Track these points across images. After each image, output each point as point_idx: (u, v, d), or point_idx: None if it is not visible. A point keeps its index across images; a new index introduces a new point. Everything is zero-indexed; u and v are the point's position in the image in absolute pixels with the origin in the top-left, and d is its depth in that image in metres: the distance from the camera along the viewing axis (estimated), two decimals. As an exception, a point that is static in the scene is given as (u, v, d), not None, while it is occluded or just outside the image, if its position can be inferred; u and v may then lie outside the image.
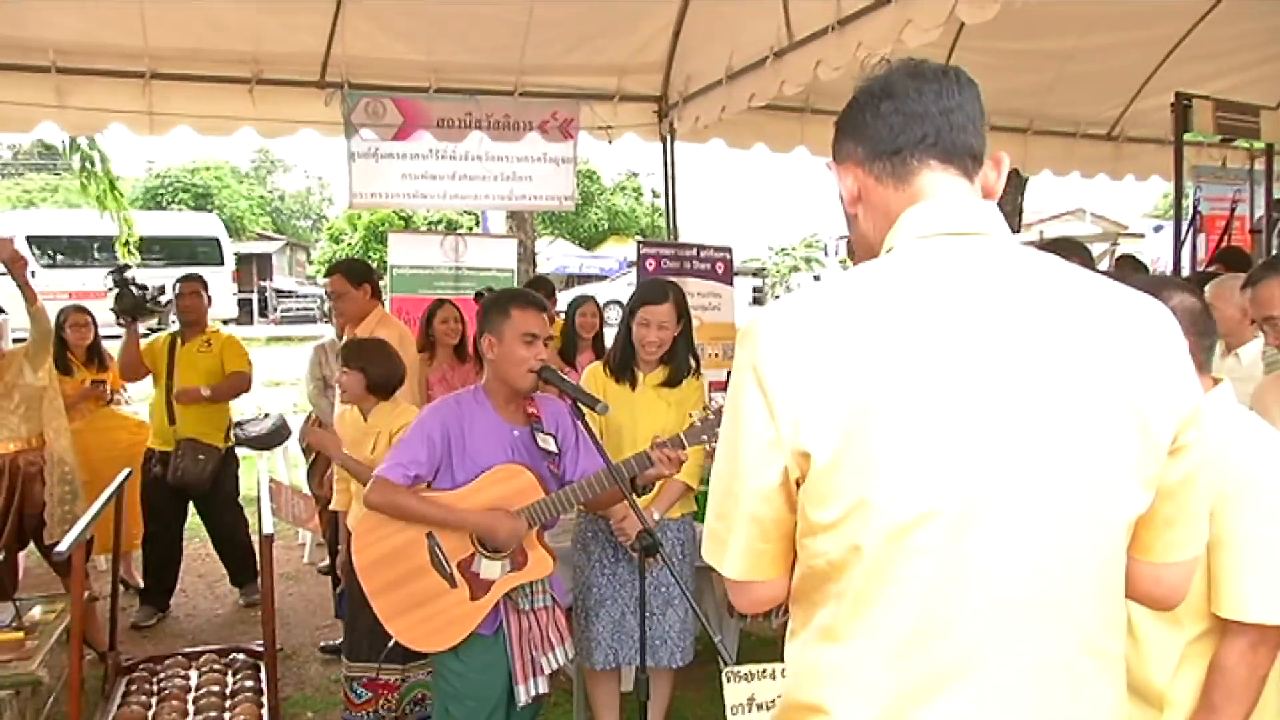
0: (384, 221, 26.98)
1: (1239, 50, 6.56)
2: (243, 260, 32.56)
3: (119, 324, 5.37)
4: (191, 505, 5.64)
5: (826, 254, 33.49)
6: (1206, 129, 5.68)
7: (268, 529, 3.54)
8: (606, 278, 25.94)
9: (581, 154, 8.08)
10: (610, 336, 4.25)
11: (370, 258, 24.31)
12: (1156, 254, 11.38)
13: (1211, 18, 6.18)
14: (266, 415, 8.14)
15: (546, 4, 5.71)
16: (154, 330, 6.61)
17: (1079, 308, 1.18)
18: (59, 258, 20.02)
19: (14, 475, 4.49)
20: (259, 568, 5.47)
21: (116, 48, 5.29)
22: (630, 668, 3.49)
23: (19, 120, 5.40)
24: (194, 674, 4.12)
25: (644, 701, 2.76)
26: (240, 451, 8.01)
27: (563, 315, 5.96)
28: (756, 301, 26.44)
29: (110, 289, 5.30)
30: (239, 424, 7.83)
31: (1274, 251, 5.71)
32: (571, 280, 26.36)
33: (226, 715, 3.73)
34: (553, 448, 2.94)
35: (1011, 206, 11.47)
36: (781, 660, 1.31)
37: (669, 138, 6.74)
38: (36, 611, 3.82)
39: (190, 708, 3.80)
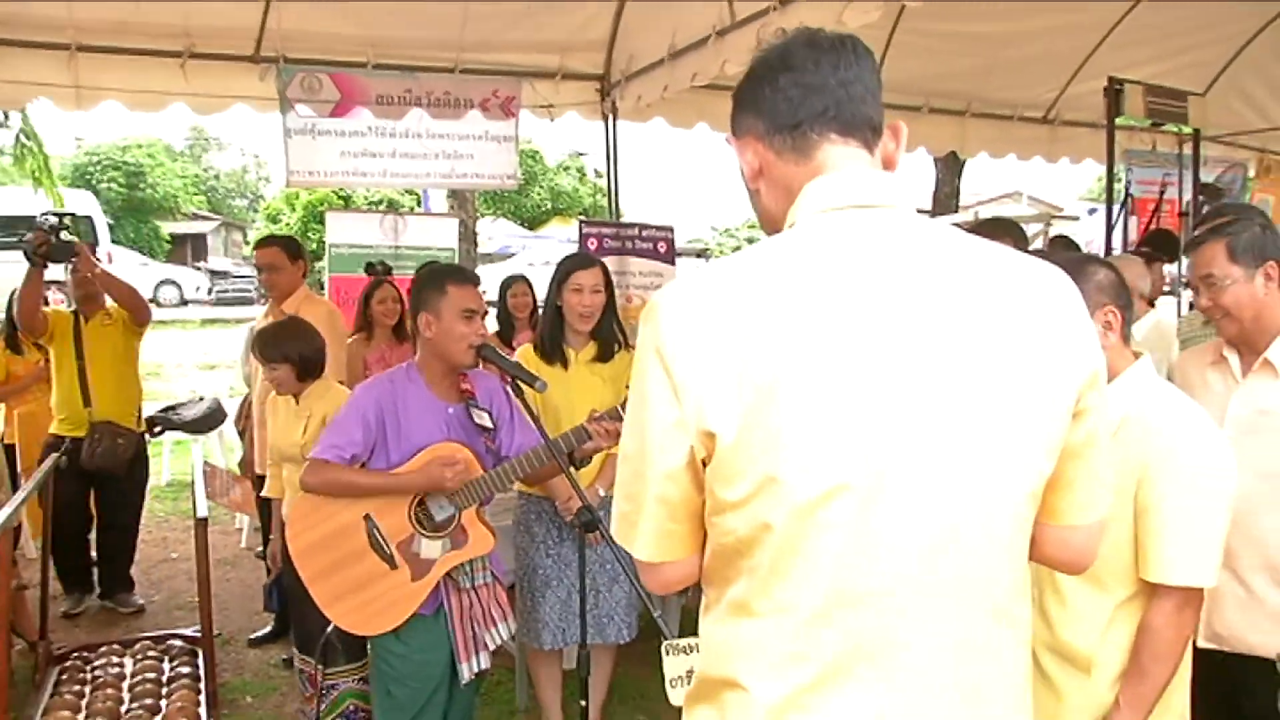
0: (323, 201, 26.43)
1: (1169, 37, 6.69)
2: (177, 240, 31.84)
3: (31, 261, 4.80)
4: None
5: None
6: (1138, 113, 5.80)
7: (202, 513, 3.48)
8: (508, 256, 23.81)
9: (525, 134, 7.99)
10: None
11: (309, 238, 23.83)
12: (1090, 236, 11.59)
13: (1144, 4, 6.29)
14: (201, 398, 8.03)
15: (487, -21, 5.64)
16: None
17: (980, 278, 1.19)
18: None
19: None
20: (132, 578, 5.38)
21: (40, 18, 5.08)
22: (572, 645, 3.51)
23: (-65, 94, 5.19)
24: (129, 662, 4.05)
25: (585, 678, 2.77)
26: (174, 435, 7.89)
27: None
28: (701, 283, 26.34)
29: (41, 228, 4.84)
30: (173, 407, 7.71)
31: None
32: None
33: (164, 703, 3.67)
34: (488, 423, 2.92)
35: (949, 188, 11.66)
36: None
37: (611, 116, 6.69)
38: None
39: (126, 695, 3.74)
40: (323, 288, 6.99)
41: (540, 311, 5.01)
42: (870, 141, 1.26)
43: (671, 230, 7.01)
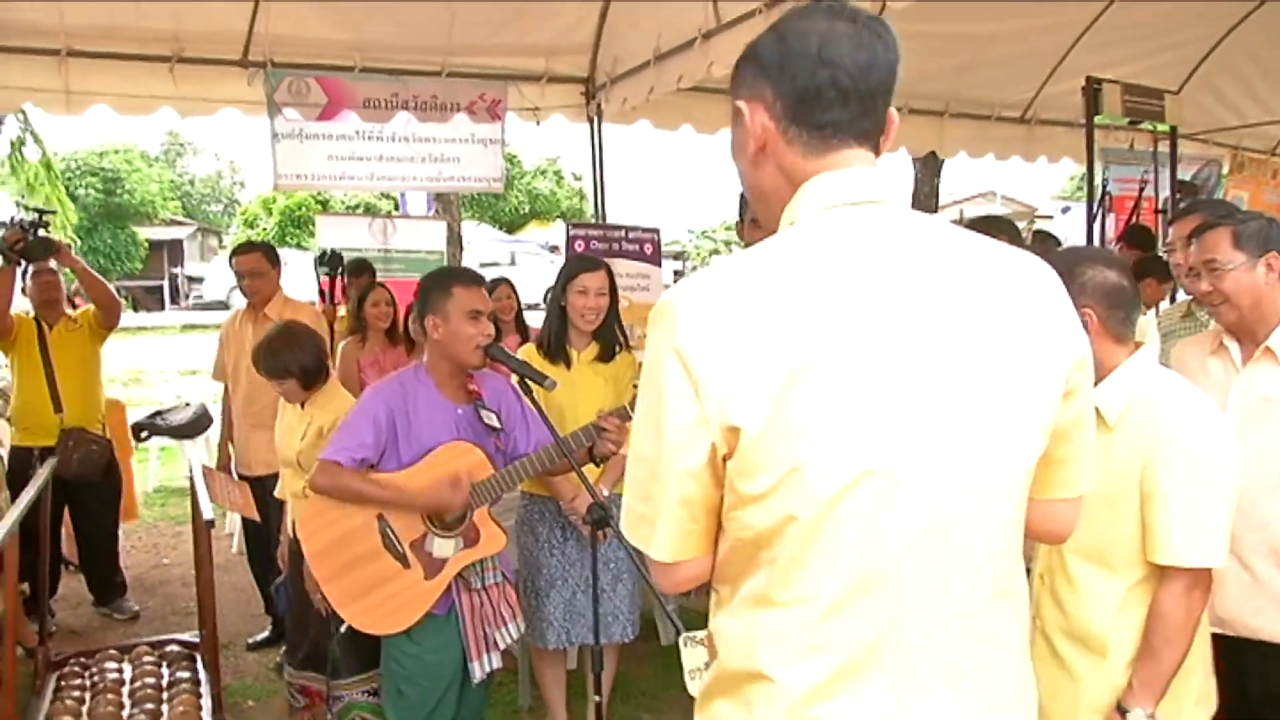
0: (300, 205, 26.34)
1: (1145, 36, 6.79)
2: (154, 246, 31.47)
3: (5, 258, 4.68)
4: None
5: (747, 237, 33.61)
6: (1115, 112, 5.89)
7: (207, 515, 3.48)
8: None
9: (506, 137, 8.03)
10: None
11: (287, 243, 23.72)
12: (1065, 234, 11.77)
13: (1117, 4, 6.39)
14: (187, 404, 8.00)
15: (474, -16, 5.66)
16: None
17: (975, 269, 1.23)
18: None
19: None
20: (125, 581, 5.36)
21: (31, 24, 5.06)
22: (576, 645, 3.55)
23: (-75, 98, 5.17)
24: (128, 667, 4.03)
25: (599, 674, 2.80)
26: (160, 441, 7.85)
27: None
28: (679, 284, 26.32)
29: (17, 223, 4.73)
30: (160, 413, 7.68)
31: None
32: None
33: (165, 708, 3.67)
34: (496, 424, 2.95)
35: (929, 188, 11.76)
36: None
37: (596, 119, 6.74)
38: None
39: (126, 701, 3.73)
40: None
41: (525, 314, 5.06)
42: (877, 143, 1.28)
43: (657, 232, 7.06)
